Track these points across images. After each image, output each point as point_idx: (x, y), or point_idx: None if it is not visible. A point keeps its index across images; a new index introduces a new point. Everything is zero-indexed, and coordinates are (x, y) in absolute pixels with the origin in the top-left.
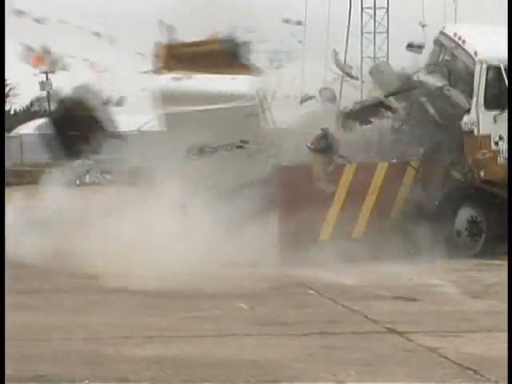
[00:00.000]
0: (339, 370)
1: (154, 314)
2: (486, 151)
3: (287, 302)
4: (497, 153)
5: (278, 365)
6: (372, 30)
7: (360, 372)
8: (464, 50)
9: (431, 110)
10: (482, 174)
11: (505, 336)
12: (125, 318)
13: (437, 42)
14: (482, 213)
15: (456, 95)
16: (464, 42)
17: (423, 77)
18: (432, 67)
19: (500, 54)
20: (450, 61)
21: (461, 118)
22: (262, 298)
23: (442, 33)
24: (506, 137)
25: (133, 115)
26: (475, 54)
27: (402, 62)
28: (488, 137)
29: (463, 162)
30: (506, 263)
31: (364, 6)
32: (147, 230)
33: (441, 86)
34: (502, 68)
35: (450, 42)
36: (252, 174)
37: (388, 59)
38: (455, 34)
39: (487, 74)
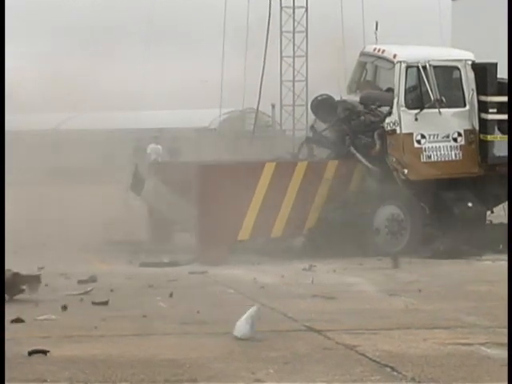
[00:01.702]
0: (258, 369)
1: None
2: (408, 150)
3: (207, 300)
4: (420, 152)
5: (197, 364)
6: (291, 29)
7: (279, 370)
8: (384, 58)
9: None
10: (405, 172)
11: (422, 333)
12: None
13: (358, 63)
14: (404, 211)
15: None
16: (383, 51)
17: (346, 95)
18: (354, 86)
19: (417, 56)
20: (373, 75)
21: (383, 121)
22: (181, 296)
23: (362, 53)
24: (427, 135)
25: None
26: (394, 56)
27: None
28: (410, 135)
29: (387, 161)
30: (424, 261)
31: (283, 5)
32: None
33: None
34: (420, 67)
35: (370, 57)
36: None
37: (307, 58)
38: (375, 49)
39: (406, 74)
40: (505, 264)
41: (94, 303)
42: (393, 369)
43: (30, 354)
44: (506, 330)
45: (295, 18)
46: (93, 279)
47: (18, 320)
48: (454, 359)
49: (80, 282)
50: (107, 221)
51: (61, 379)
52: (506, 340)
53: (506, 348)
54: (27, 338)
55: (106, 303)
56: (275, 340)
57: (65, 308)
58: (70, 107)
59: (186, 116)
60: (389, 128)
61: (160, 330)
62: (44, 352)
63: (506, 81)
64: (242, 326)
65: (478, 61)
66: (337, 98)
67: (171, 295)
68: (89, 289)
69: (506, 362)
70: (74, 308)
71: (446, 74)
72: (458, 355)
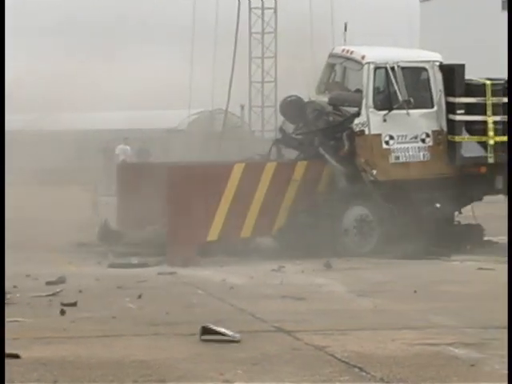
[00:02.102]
0: (227, 369)
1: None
2: (376, 150)
3: (176, 301)
4: (388, 152)
5: (166, 365)
6: (260, 30)
7: (248, 371)
8: (352, 59)
9: (320, 124)
10: (374, 172)
11: (390, 334)
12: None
13: (327, 64)
14: (373, 211)
15: (345, 108)
16: (352, 52)
17: (315, 96)
18: (323, 87)
19: (386, 57)
20: (342, 76)
21: (352, 122)
22: (150, 297)
23: (331, 54)
24: (396, 136)
25: None
26: (362, 57)
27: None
28: (378, 136)
29: (355, 162)
30: (393, 262)
31: (252, 6)
32: None
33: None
34: (389, 68)
35: (339, 58)
36: None
37: (276, 59)
38: (343, 50)
39: (375, 75)
40: (472, 264)
41: (62, 304)
42: (361, 369)
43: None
44: (473, 330)
45: (264, 18)
46: (61, 280)
47: None
48: (422, 359)
49: (48, 283)
50: (76, 222)
51: (29, 380)
52: (473, 340)
53: (474, 348)
54: None
55: (74, 304)
56: (244, 341)
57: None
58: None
59: (155, 117)
60: (357, 129)
61: (129, 331)
62: (15, 356)
63: (474, 82)
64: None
65: (445, 62)
66: (306, 99)
67: (140, 296)
68: (57, 290)
69: (473, 361)
70: (43, 309)
71: (414, 75)
72: (426, 355)
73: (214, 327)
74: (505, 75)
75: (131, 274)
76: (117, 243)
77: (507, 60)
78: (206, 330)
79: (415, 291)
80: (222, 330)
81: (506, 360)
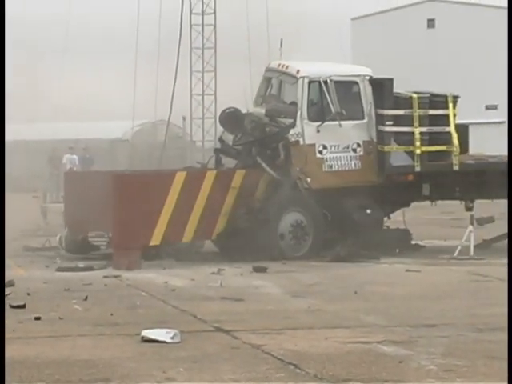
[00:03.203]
0: (169, 368)
1: None
2: (310, 160)
3: (120, 303)
4: (321, 161)
5: (110, 364)
6: (200, 46)
7: (189, 369)
8: (288, 73)
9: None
10: (308, 180)
11: (323, 332)
12: None
13: (264, 78)
14: (307, 217)
15: (281, 119)
16: (287, 67)
17: (252, 109)
18: (260, 100)
19: (319, 72)
20: (278, 89)
21: (287, 132)
22: (95, 299)
23: (267, 68)
24: (328, 146)
25: None
26: (297, 72)
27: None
28: (312, 146)
29: (290, 170)
30: (326, 264)
31: (193, 23)
32: None
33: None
34: (322, 82)
35: (275, 73)
36: None
37: (216, 73)
38: (279, 65)
39: (309, 89)
40: (401, 266)
41: (11, 306)
42: (296, 366)
43: None
44: (401, 329)
45: (204, 35)
46: (10, 283)
47: None
48: (354, 357)
49: None
50: (25, 227)
51: None
52: (401, 338)
53: (402, 346)
54: None
55: (23, 306)
56: (185, 340)
57: None
58: None
59: (101, 128)
60: (292, 139)
61: (75, 331)
62: None
63: (402, 95)
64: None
65: (375, 76)
66: (244, 111)
67: (86, 298)
68: (7, 293)
69: (401, 358)
70: None
71: (346, 88)
72: (358, 353)
73: (155, 336)
74: (430, 89)
75: (78, 277)
76: (86, 254)
77: (507, 60)
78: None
79: (356, 292)
80: (161, 338)
81: (432, 357)
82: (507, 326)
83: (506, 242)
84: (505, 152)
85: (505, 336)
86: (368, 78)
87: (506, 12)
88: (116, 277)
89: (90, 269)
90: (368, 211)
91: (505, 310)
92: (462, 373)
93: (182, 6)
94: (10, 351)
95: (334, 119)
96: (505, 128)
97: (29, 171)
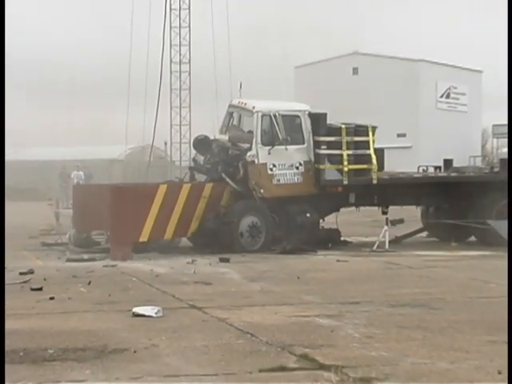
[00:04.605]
0: (154, 336)
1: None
2: (263, 175)
3: (115, 286)
4: (271, 177)
5: (108, 333)
6: (178, 87)
7: (169, 337)
8: (246, 108)
9: (222, 156)
10: (262, 191)
11: (273, 308)
12: None
13: (227, 112)
14: (261, 219)
15: (241, 144)
16: (245, 103)
17: (218, 136)
18: (224, 129)
19: (270, 107)
20: (238, 121)
21: (245, 154)
22: (96, 283)
23: (230, 105)
24: (277, 164)
25: None
26: (253, 107)
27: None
28: (265, 165)
29: (248, 183)
30: (275, 256)
31: (172, 70)
32: None
33: (229, 141)
34: (272, 115)
35: (236, 108)
36: None
37: (190, 108)
38: (239, 102)
39: (262, 120)
40: (332, 257)
41: (31, 289)
42: (252, 335)
43: None
44: (333, 305)
45: (181, 79)
46: (31, 271)
47: None
48: (296, 327)
49: (21, 273)
50: (42, 228)
51: (5, 347)
52: (333, 312)
53: (333, 318)
54: None
55: (40, 289)
56: (166, 315)
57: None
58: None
59: (101, 150)
60: (249, 159)
61: (80, 308)
62: None
63: (333, 125)
64: (146, 310)
65: (313, 111)
66: (212, 138)
67: (89, 283)
68: (28, 278)
69: (333, 328)
70: (16, 293)
71: (290, 120)
72: (299, 324)
73: (143, 312)
74: (355, 121)
75: (83, 266)
76: (90, 248)
77: (507, 60)
78: (70, 260)
79: (298, 277)
80: (147, 313)
81: (356, 327)
82: (507, 325)
83: (413, 238)
84: (412, 170)
85: (412, 310)
86: (307, 112)
87: (411, 63)
88: (113, 266)
89: (93, 260)
90: (308, 215)
91: (412, 290)
92: (378, 339)
93: (162, 57)
94: (29, 324)
95: (281, 144)
96: (411, 151)
97: (44, 184)
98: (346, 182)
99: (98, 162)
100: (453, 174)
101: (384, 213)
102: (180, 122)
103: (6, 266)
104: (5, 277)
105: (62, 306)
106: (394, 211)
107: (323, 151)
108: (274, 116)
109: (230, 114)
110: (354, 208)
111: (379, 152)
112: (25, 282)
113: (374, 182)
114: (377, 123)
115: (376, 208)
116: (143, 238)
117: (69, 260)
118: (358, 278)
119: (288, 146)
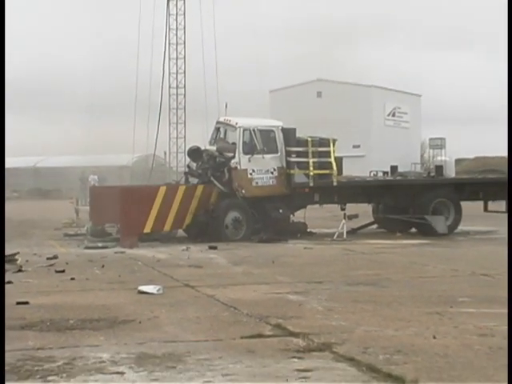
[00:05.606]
0: (155, 309)
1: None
2: (245, 179)
3: (125, 269)
4: (251, 180)
5: (118, 307)
6: (175, 107)
7: (168, 310)
8: (230, 124)
9: (211, 163)
10: (243, 192)
11: (253, 287)
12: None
13: (215, 127)
14: (242, 214)
15: (226, 153)
16: (230, 120)
17: (208, 146)
18: (213, 141)
19: (250, 124)
20: (224, 134)
21: (230, 161)
22: (109, 266)
23: (217, 121)
24: (256, 170)
25: None
26: (236, 124)
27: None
28: (246, 170)
29: (232, 185)
30: (254, 245)
31: (171, 93)
32: None
33: (216, 151)
34: (251, 130)
35: (222, 124)
36: None
37: (185, 124)
38: (225, 119)
39: (243, 134)
40: (300, 245)
41: (56, 271)
42: (235, 308)
43: (18, 303)
44: (301, 284)
45: (178, 101)
46: (55, 257)
47: (9, 282)
48: (272, 302)
49: (48, 258)
50: (64, 221)
51: (35, 318)
52: (301, 290)
53: (301, 295)
54: (15, 293)
55: (63, 271)
56: (166, 292)
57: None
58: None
59: (113, 158)
60: (233, 166)
61: (96, 287)
62: (26, 303)
63: (301, 138)
64: (149, 288)
65: (285, 126)
66: (202, 148)
67: (103, 266)
68: (53, 262)
69: (301, 303)
70: (44, 274)
71: (267, 134)
72: (274, 299)
73: (146, 290)
74: (319, 135)
75: (98, 252)
76: (103, 238)
77: (507, 60)
78: (87, 247)
79: (273, 261)
80: (150, 290)
81: (319, 301)
82: (507, 325)
83: (365, 229)
84: (365, 174)
85: (364, 288)
86: (280, 127)
87: (364, 88)
88: (122, 252)
89: (106, 247)
90: (280, 211)
91: (365, 272)
92: (337, 311)
93: (163, 83)
94: (54, 299)
95: (259, 153)
96: (364, 159)
97: (67, 186)
98: (311, 184)
99: (110, 168)
100: (398, 178)
101: (342, 209)
102: (177, 136)
103: (35, 252)
104: (7, 270)
105: (81, 284)
106: (351, 208)
107: (293, 159)
108: (253, 130)
109: (217, 129)
110: (318, 205)
111: (338, 160)
112: (51, 265)
113: (335, 184)
114: (336, 136)
115: (336, 205)
116: (147, 229)
117: (86, 247)
118: (321, 262)
119: (265, 155)
